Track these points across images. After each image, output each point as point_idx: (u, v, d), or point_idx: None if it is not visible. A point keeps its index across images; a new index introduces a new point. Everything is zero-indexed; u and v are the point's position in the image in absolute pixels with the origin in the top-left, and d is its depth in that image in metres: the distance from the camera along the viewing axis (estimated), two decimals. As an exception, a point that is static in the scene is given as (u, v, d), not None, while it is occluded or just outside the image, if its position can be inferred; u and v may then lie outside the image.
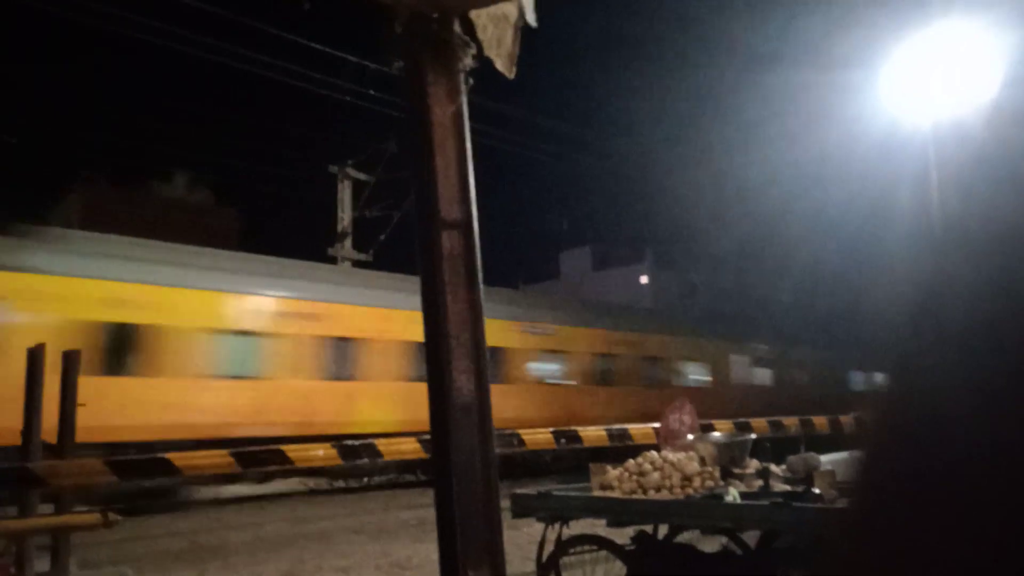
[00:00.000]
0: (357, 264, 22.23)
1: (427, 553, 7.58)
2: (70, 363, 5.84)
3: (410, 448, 5.72)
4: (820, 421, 9.02)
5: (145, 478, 7.26)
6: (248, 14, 15.17)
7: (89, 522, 3.61)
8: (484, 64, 2.17)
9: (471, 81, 2.16)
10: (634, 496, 3.89)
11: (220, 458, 4.89)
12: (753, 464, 4.08)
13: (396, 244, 21.95)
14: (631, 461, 4.10)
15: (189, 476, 10.00)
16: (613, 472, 4.09)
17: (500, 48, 2.15)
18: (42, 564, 5.97)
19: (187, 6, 14.08)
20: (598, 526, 4.22)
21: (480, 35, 2.13)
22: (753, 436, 4.31)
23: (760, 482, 3.82)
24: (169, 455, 4.62)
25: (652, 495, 3.83)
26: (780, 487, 3.73)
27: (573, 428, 7.02)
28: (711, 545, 4.32)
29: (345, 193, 22.63)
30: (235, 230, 37.16)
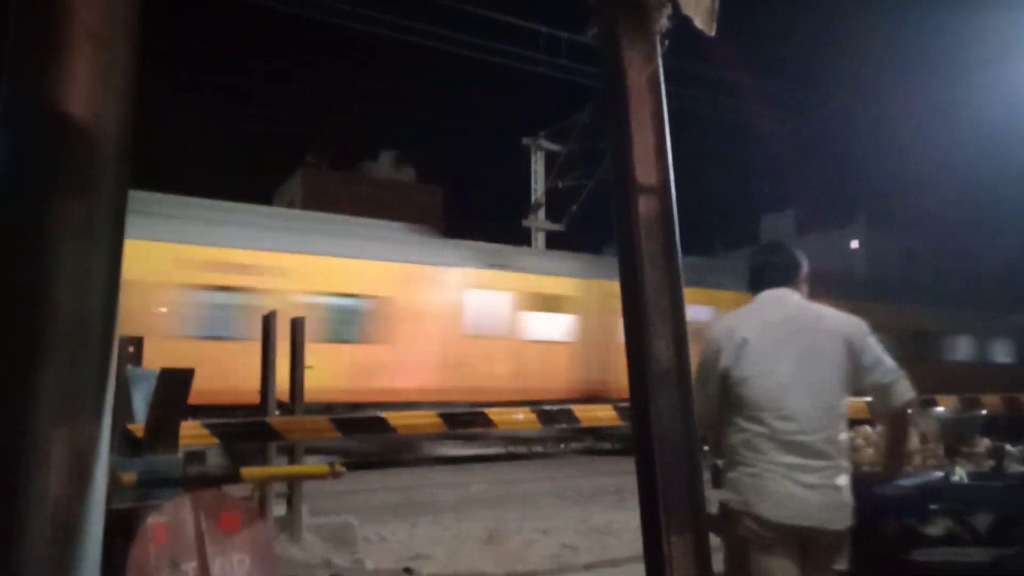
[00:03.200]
0: (551, 235, 22.56)
1: (625, 520, 7.64)
2: (296, 329, 6.41)
3: (606, 415, 5.75)
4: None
5: (364, 434, 7.80)
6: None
7: (319, 472, 3.97)
8: (682, 22, 2.11)
9: (667, 42, 2.12)
10: (845, 472, 3.69)
11: (429, 418, 5.17)
12: (984, 443, 3.74)
13: (589, 214, 22.01)
14: (842, 436, 3.88)
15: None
16: (822, 446, 3.90)
17: (698, 5, 2.09)
18: (279, 510, 6.66)
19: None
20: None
21: (677, -7, 2.09)
22: (983, 412, 3.94)
23: (992, 462, 3.49)
24: (385, 414, 4.96)
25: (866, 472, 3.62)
26: (1016, 468, 3.39)
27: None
28: (933, 529, 4.02)
29: (538, 164, 22.96)
30: (438, 205, 38.90)
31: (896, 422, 2.90)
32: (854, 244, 37.24)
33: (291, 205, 34.49)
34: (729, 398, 2.81)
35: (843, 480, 2.70)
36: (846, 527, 2.70)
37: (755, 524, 2.71)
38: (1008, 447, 3.57)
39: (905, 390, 2.78)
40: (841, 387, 2.75)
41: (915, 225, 36.04)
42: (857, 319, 2.84)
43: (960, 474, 3.35)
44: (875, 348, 2.81)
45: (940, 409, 4.42)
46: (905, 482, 3.32)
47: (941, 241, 35.60)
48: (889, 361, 2.80)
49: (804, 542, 2.71)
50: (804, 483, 2.66)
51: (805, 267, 3.00)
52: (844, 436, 2.76)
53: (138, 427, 4.01)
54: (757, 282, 2.98)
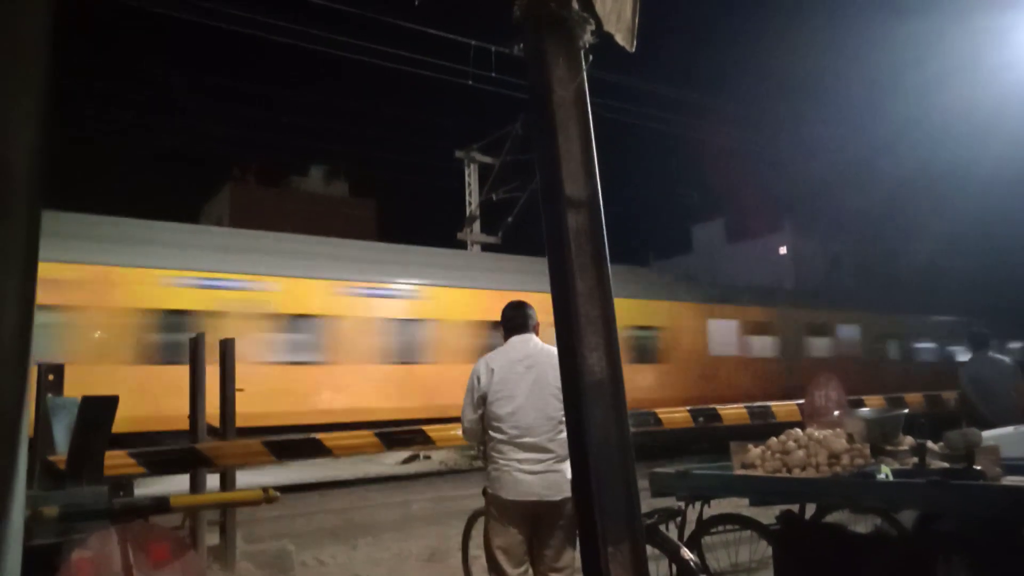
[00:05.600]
0: (486, 247, 22.58)
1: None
2: (227, 350, 6.25)
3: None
4: (949, 396, 8.45)
5: (298, 458, 7.69)
6: (370, 5, 15.51)
7: (253, 498, 3.87)
8: (605, 38, 2.15)
9: (591, 57, 2.15)
10: (778, 475, 3.77)
11: (366, 439, 5.11)
12: (907, 441, 3.86)
13: (524, 225, 22.10)
14: (774, 439, 3.97)
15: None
16: (755, 450, 3.98)
17: (619, 22, 2.12)
18: (212, 538, 6.46)
19: (311, 4, 14.59)
20: (740, 506, 4.13)
21: (599, 10, 2.11)
22: (906, 411, 4.08)
23: (915, 460, 3.61)
24: (319, 435, 4.87)
25: (797, 473, 3.70)
26: (937, 465, 3.51)
27: (712, 407, 6.87)
28: (863, 526, 4.13)
29: (472, 177, 22.99)
30: (371, 219, 38.49)
31: None
32: (782, 250, 38.27)
33: (219, 222, 33.70)
34: (486, 414, 3.90)
35: (563, 466, 3.74)
36: (563, 498, 3.74)
37: (497, 503, 3.86)
38: (930, 444, 3.70)
39: None
40: (560, 403, 3.62)
41: (839, 231, 37.27)
42: None
43: (886, 472, 3.46)
44: None
45: (865, 410, 4.56)
46: None
47: (863, 246, 36.88)
48: None
49: (533, 515, 3.83)
50: (530, 471, 3.78)
51: (535, 319, 4.11)
52: (563, 436, 3.70)
53: (60, 458, 3.85)
54: (510, 330, 4.09)
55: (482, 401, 3.93)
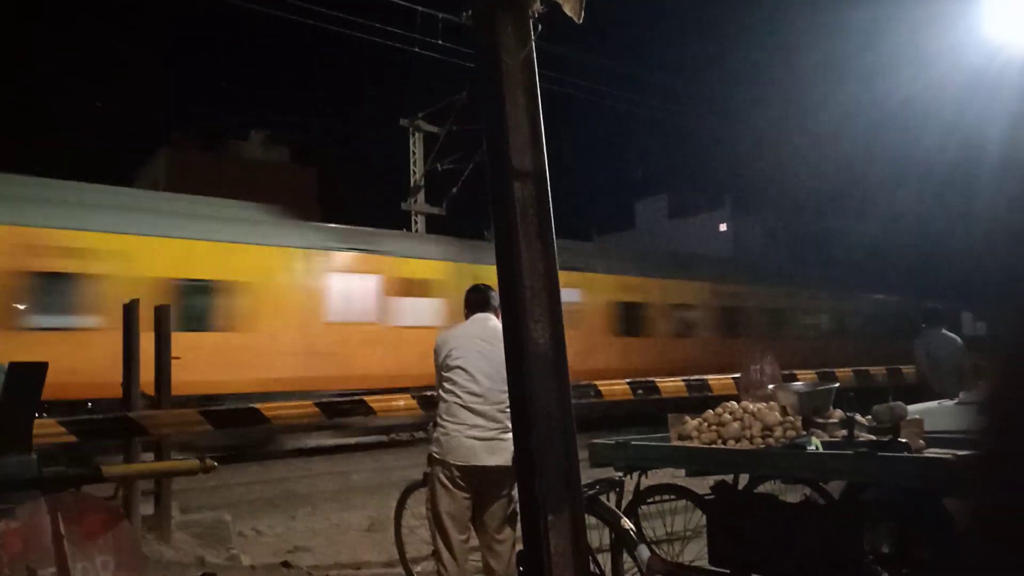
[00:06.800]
0: (430, 218, 22.39)
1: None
2: (162, 317, 6.09)
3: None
4: (908, 370, 8.78)
5: (237, 427, 7.60)
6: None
7: (189, 467, 3.80)
8: (553, 9, 2.13)
9: (540, 27, 2.13)
10: (713, 446, 3.86)
11: (306, 408, 5.06)
12: (837, 414, 3.99)
13: (469, 197, 21.96)
14: (710, 411, 4.06)
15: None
16: (692, 422, 4.07)
17: (569, -8, 2.11)
18: (146, 508, 6.34)
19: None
20: (677, 476, 4.22)
21: (549, -21, 2.09)
22: (836, 385, 4.21)
23: (844, 432, 3.73)
24: (259, 405, 4.81)
25: (732, 445, 3.80)
26: (865, 437, 3.64)
27: (651, 379, 6.99)
28: (793, 496, 4.27)
29: (417, 146, 22.72)
30: (312, 187, 37.75)
31: None
32: (722, 227, 38.91)
33: (154, 186, 32.65)
34: (442, 379, 4.15)
35: (508, 435, 3.92)
36: (505, 463, 3.93)
37: (444, 468, 4.03)
38: (858, 417, 3.82)
39: None
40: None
41: (776, 209, 38.07)
42: None
43: (816, 444, 3.57)
44: None
45: (798, 383, 4.69)
46: None
47: (800, 224, 37.75)
48: None
49: (477, 480, 4.03)
50: (477, 437, 3.99)
51: (496, 301, 4.24)
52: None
53: (-16, 427, 3.72)
54: (472, 307, 4.38)
55: (440, 367, 4.20)
